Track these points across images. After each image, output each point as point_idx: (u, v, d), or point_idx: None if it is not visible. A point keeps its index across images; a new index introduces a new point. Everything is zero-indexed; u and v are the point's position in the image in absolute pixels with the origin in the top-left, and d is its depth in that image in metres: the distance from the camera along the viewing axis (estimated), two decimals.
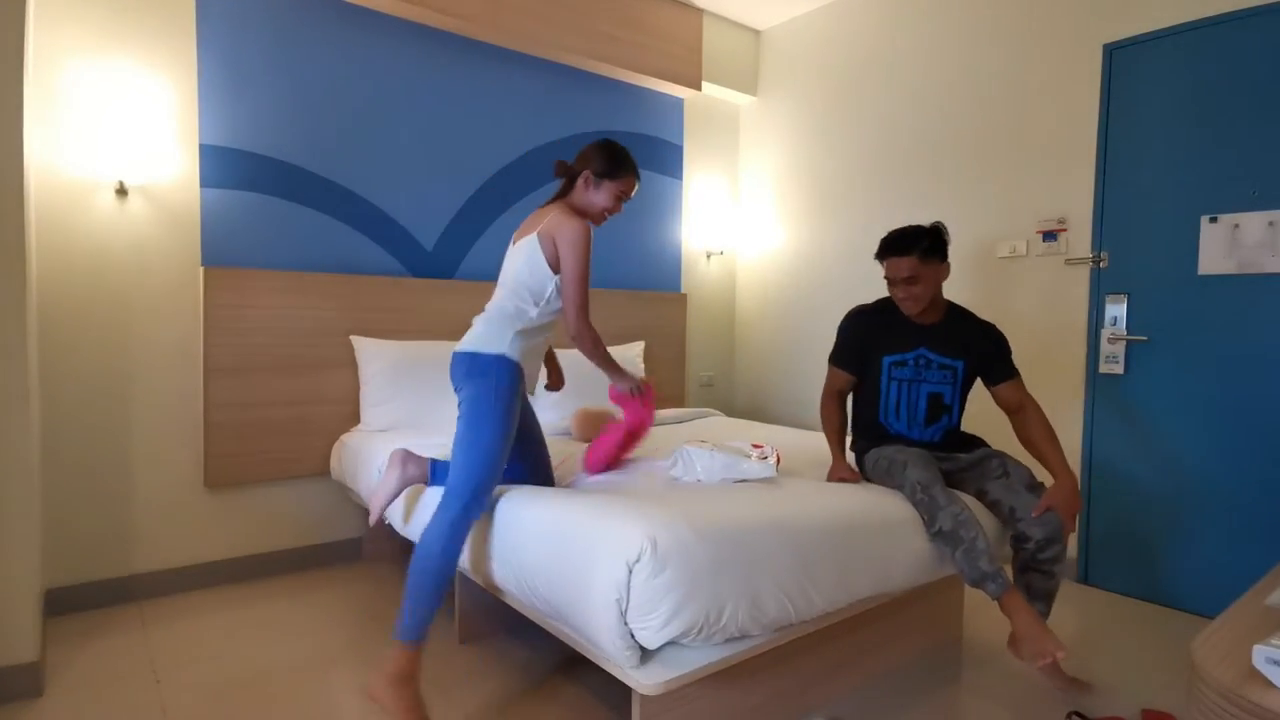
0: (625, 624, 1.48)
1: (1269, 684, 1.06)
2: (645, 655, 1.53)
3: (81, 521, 2.51)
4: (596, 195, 2.05)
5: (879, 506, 1.94)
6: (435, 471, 2.13)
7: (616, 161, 2.04)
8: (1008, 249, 3.13)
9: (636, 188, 2.10)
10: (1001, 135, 3.18)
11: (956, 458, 2.21)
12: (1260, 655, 1.09)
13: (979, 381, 2.27)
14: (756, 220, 4.33)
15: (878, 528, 1.89)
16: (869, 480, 2.18)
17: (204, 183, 2.69)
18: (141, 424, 2.61)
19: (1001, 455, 2.18)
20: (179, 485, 2.69)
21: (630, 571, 1.47)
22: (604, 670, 1.60)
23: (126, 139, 2.53)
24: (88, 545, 2.53)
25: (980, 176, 3.25)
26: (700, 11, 3.95)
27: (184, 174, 2.66)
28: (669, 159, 4.08)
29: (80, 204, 2.48)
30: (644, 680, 1.50)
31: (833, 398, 2.31)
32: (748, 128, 4.37)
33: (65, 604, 2.47)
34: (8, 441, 1.87)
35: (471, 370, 1.92)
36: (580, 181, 2.06)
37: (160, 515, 2.66)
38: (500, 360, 1.91)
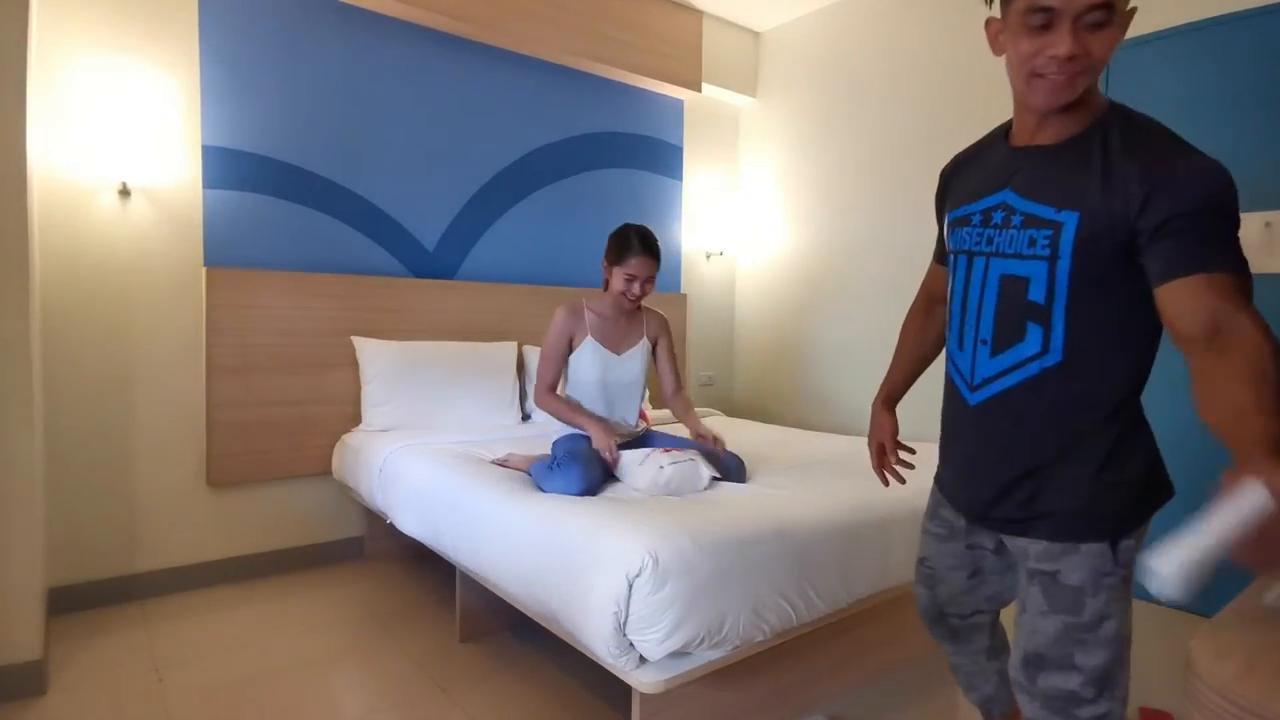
0: (624, 635, 1.49)
1: (1267, 682, 1.07)
2: (644, 658, 1.53)
3: (84, 521, 2.52)
4: (611, 281, 2.28)
5: (876, 505, 1.95)
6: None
7: (617, 246, 2.24)
8: None
9: (649, 265, 2.23)
10: None
11: (1007, 548, 1.21)
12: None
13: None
14: (756, 221, 4.34)
15: (875, 525, 1.90)
16: None
17: (206, 184, 2.69)
18: (144, 424, 2.62)
19: (1039, 579, 1.13)
20: (181, 484, 2.70)
21: (630, 586, 1.47)
22: (604, 669, 1.61)
23: (129, 140, 2.54)
24: (90, 544, 2.53)
25: None
26: (700, 13, 3.96)
27: (186, 175, 2.67)
28: (669, 160, 4.09)
29: (83, 205, 2.49)
30: (644, 679, 1.51)
31: (918, 301, 1.47)
32: (747, 129, 4.38)
33: (68, 603, 2.47)
34: (11, 441, 1.88)
35: None
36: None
37: (163, 514, 2.67)
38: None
